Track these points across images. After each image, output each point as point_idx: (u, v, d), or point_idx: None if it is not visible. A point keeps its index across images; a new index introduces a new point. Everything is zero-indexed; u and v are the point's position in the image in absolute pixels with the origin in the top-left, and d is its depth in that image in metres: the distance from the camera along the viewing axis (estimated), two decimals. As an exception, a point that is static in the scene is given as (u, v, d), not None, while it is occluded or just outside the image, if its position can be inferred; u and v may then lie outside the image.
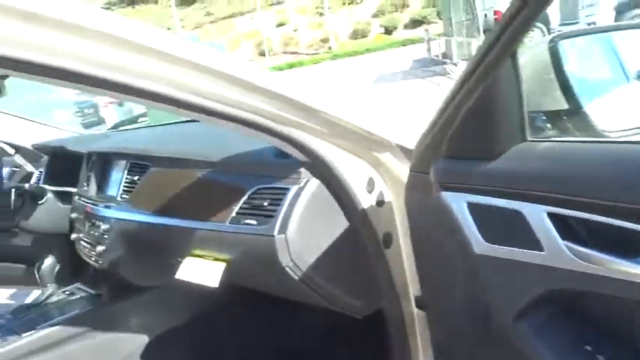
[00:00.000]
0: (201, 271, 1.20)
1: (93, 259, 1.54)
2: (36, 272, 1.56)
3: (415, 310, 1.23)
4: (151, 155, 1.41)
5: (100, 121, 10.57)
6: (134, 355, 1.54)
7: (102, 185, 1.67)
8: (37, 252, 2.43)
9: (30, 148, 2.21)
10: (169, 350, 1.58)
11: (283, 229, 1.06)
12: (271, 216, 1.08)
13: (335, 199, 1.11)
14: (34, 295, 3.48)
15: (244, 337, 1.58)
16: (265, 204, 1.10)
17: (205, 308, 1.55)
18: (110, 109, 12.33)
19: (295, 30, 29.48)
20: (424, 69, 13.08)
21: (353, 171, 1.09)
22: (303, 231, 1.08)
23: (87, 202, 1.63)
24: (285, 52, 27.26)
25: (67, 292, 1.63)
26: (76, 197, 1.75)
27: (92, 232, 1.53)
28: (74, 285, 1.69)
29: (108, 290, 1.59)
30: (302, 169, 1.08)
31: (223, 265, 1.18)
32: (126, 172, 1.51)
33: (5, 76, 1.31)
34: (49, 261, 1.56)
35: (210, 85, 0.79)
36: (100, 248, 1.47)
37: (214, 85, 0.80)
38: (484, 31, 12.39)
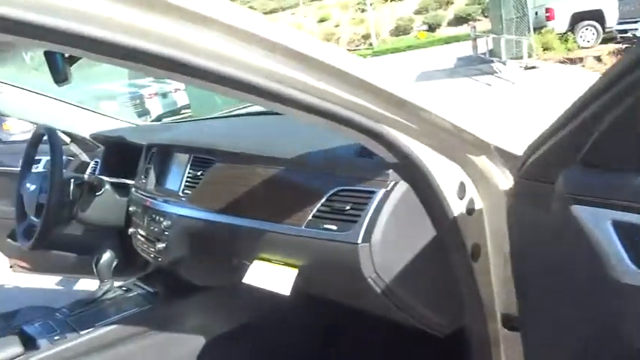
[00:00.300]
0: (271, 276, 1.12)
1: (152, 255, 1.49)
2: (94, 266, 1.51)
3: (501, 329, 1.12)
4: (216, 150, 1.33)
5: (146, 112, 10.77)
6: (191, 356, 1.48)
7: (161, 179, 1.60)
8: (90, 243, 2.42)
9: (85, 137, 2.18)
10: (227, 353, 1.51)
11: (368, 236, 0.96)
12: (354, 221, 0.98)
13: (423, 204, 1.01)
14: (82, 283, 3.52)
15: (307, 344, 1.49)
16: (347, 208, 1.00)
17: (266, 311, 1.47)
18: (155, 100, 12.56)
19: (337, 26, 29.40)
20: (470, 67, 12.75)
21: (444, 174, 0.98)
22: (388, 240, 0.98)
23: (145, 196, 1.57)
24: (326, 48, 27.12)
25: (123, 289, 1.58)
26: (134, 190, 1.70)
27: (152, 228, 1.47)
28: (130, 280, 1.64)
29: (165, 288, 1.53)
30: (390, 171, 0.98)
31: (295, 271, 1.09)
32: (189, 166, 1.44)
33: (75, 61, 1.25)
34: (107, 255, 1.51)
35: (294, 72, 0.70)
36: (160, 245, 1.40)
37: (298, 71, 0.70)
38: (534, 30, 12.03)
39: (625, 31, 9.68)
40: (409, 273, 1.01)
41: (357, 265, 0.96)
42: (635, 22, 9.29)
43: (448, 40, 22.24)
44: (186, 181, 1.43)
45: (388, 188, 0.97)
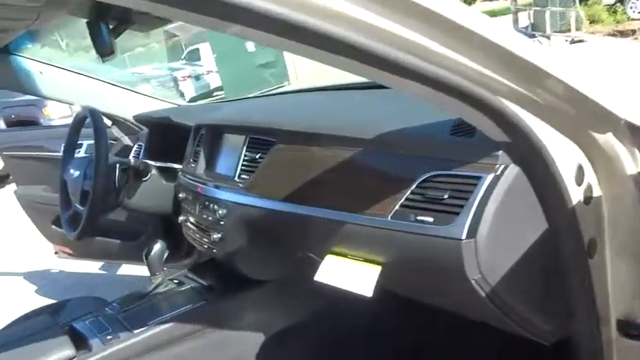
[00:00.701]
0: (349, 274, 0.97)
1: (205, 246, 1.36)
2: (144, 258, 1.40)
3: (616, 336, 0.95)
4: (278, 129, 1.18)
5: (179, 95, 10.76)
6: (249, 354, 1.36)
7: (212, 163, 1.48)
8: (135, 229, 2.33)
9: (128, 119, 2.07)
10: (287, 351, 1.39)
11: (473, 231, 0.80)
12: (454, 212, 0.82)
13: (536, 192, 0.84)
14: (125, 268, 3.48)
15: (377, 343, 1.35)
16: (445, 197, 0.84)
17: (329, 306, 1.34)
18: (188, 82, 12.56)
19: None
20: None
21: (562, 156, 0.81)
22: (495, 235, 0.82)
23: (196, 182, 1.44)
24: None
25: (175, 281, 1.47)
26: (181, 175, 1.58)
27: (205, 216, 1.34)
28: (182, 272, 1.52)
29: (219, 282, 1.41)
30: (499, 153, 0.81)
31: (377, 269, 0.94)
32: (244, 148, 1.30)
33: (119, 33, 1.12)
34: (157, 246, 1.40)
35: (401, 28, 0.55)
36: (215, 235, 1.28)
37: (406, 27, 0.55)
38: (580, 2, 11.41)
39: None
40: (517, 273, 0.86)
41: (459, 264, 0.81)
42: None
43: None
44: (243, 166, 1.29)
45: (497, 173, 0.81)
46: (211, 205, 1.32)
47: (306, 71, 11.96)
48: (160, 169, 1.68)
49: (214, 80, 12.93)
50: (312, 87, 1.53)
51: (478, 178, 0.81)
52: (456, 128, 0.90)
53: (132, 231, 2.38)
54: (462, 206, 0.81)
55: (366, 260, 0.97)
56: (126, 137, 2.32)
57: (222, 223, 1.28)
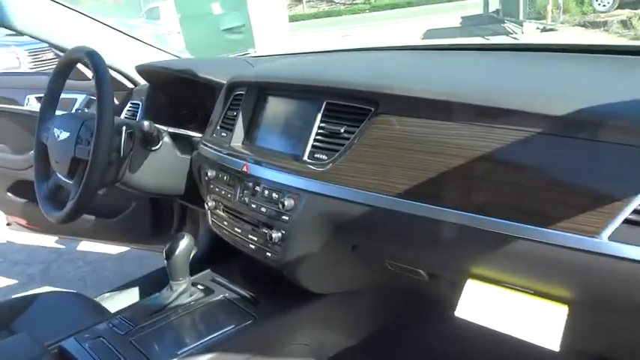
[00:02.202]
0: (514, 313, 0.68)
1: (253, 247, 1.02)
2: (164, 259, 1.03)
3: None
4: (389, 93, 0.85)
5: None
6: None
7: (259, 134, 1.13)
8: (119, 206, 1.94)
9: (123, 71, 1.66)
10: None
11: None
12: None
13: None
14: (85, 244, 3.04)
15: None
16: None
17: (399, 320, 1.04)
18: (174, 37, 11.67)
19: (334, -23, 28.18)
20: (480, 27, 12.13)
21: None
22: None
23: (237, 157, 1.09)
24: (322, 0, 26.18)
25: (200, 287, 1.11)
26: (208, 147, 1.22)
27: (257, 207, 1.00)
28: (204, 274, 1.17)
29: (262, 290, 1.07)
30: None
31: (564, 309, 0.65)
32: (319, 117, 0.95)
33: None
34: (184, 242, 1.02)
35: None
36: (275, 234, 0.94)
37: None
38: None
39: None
40: None
41: None
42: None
43: (450, -2, 21.50)
44: (317, 141, 0.95)
45: None
46: (268, 193, 0.98)
47: (272, 39, 11.46)
48: (174, 137, 1.30)
49: (175, 42, 12.16)
50: (399, 46, 1.19)
51: None
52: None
53: (110, 206, 1.99)
54: None
55: (539, 294, 0.67)
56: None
57: (285, 217, 0.94)
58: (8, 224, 2.50)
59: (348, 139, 0.90)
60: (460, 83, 0.83)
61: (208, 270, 1.19)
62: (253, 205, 1.01)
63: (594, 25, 10.04)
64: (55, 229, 2.37)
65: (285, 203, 0.92)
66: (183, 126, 1.45)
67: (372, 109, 0.88)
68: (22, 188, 2.23)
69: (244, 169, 1.05)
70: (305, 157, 0.96)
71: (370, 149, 0.85)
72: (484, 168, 0.72)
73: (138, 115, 1.60)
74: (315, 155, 0.94)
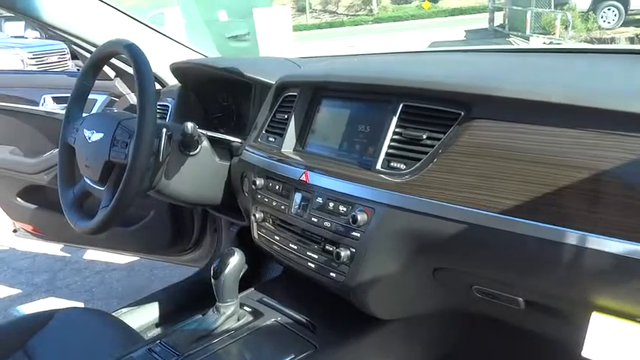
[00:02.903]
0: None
1: (313, 266, 0.90)
2: (212, 276, 0.92)
3: None
4: (482, 94, 0.74)
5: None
6: None
7: (316, 139, 1.02)
8: (139, 215, 1.83)
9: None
10: None
11: None
12: None
13: None
14: (92, 253, 2.91)
15: None
16: None
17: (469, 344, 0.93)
18: None
19: (337, -12, 28.36)
20: (485, 40, 12.13)
21: None
22: None
23: (294, 165, 0.98)
24: (325, 11, 26.32)
25: (247, 309, 0.99)
26: (253, 151, 1.11)
27: (318, 221, 0.89)
28: (248, 294, 1.04)
29: (318, 314, 0.95)
30: None
31: None
32: (394, 121, 0.84)
33: None
34: (234, 260, 0.90)
35: None
36: (344, 253, 0.82)
37: None
38: (555, 6, 11.43)
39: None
40: None
41: None
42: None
43: (453, 12, 21.66)
44: (393, 148, 0.84)
45: None
46: (334, 205, 0.87)
47: (277, 48, 11.41)
48: (211, 141, 1.19)
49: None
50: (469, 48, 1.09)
51: None
52: None
53: (135, 217, 1.88)
54: None
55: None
56: (132, 94, 1.79)
57: (356, 234, 0.82)
58: (14, 230, 2.38)
59: (431, 146, 0.79)
60: (573, 85, 0.73)
61: (252, 289, 1.07)
62: (314, 219, 0.90)
63: (601, 41, 10.02)
64: (63, 237, 2.24)
65: (358, 218, 0.81)
66: (216, 130, 1.34)
67: (462, 112, 0.77)
68: (32, 193, 2.12)
69: (303, 177, 0.94)
70: (378, 166, 0.84)
71: (464, 158, 0.74)
72: (615, 183, 0.61)
73: (167, 117, 1.49)
74: (391, 164, 0.83)
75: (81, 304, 2.48)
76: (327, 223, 0.87)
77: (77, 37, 1.40)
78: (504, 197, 0.69)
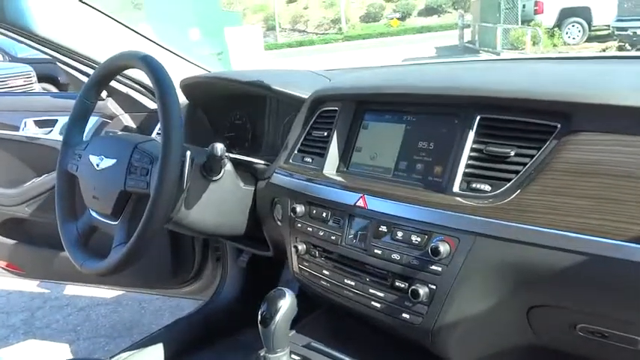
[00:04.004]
0: None
1: (378, 306, 0.77)
2: (259, 323, 0.77)
3: None
4: (589, 103, 0.64)
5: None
6: None
7: (360, 157, 0.90)
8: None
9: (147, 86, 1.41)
10: None
11: None
12: None
13: None
14: (72, 288, 2.69)
15: None
16: None
17: None
18: None
19: (306, 8, 28.73)
20: (458, 56, 12.31)
21: None
22: None
23: (333, 187, 0.86)
24: (294, 30, 26.51)
25: (295, 357, 0.85)
26: (285, 176, 0.98)
27: (387, 255, 0.76)
28: (301, 343, 0.90)
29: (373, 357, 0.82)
30: None
31: None
32: (471, 136, 0.73)
33: None
34: (285, 302, 0.76)
35: None
36: (423, 291, 0.70)
37: None
38: (522, 22, 11.74)
39: (624, 29, 9.47)
40: None
41: None
42: (637, 19, 9.06)
43: (421, 30, 22.12)
44: (472, 167, 0.73)
45: None
46: (403, 235, 0.74)
47: (250, 66, 11.30)
48: (236, 165, 1.06)
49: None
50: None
51: None
52: None
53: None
54: None
55: None
56: (127, 115, 1.64)
57: (436, 268, 0.70)
58: (-5, 268, 2.16)
59: (521, 164, 0.68)
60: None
61: (294, 331, 0.93)
62: (377, 251, 0.77)
63: (570, 55, 10.29)
64: (45, 273, 2.05)
65: (441, 249, 0.69)
66: (229, 151, 1.21)
67: (559, 125, 0.66)
68: (11, 227, 1.92)
69: (359, 203, 0.81)
70: (455, 188, 0.73)
71: (571, 178, 0.63)
72: None
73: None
74: (472, 185, 0.72)
75: (65, 346, 2.27)
76: (395, 256, 0.75)
77: (73, 53, 1.25)
78: (629, 222, 0.58)
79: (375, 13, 26.52)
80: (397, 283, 0.75)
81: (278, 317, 0.76)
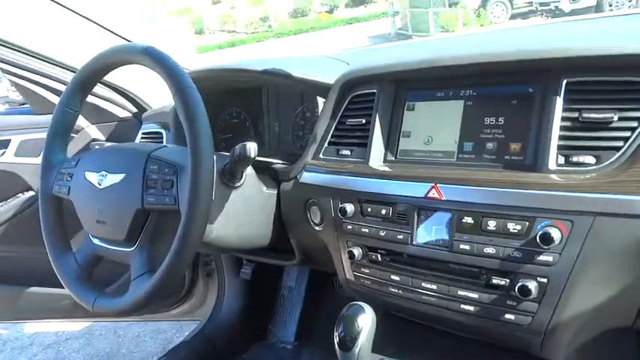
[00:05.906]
0: None
1: (472, 309, 0.67)
2: (337, 346, 0.64)
3: None
4: None
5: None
6: None
7: (410, 144, 0.79)
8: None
9: (126, 91, 1.24)
10: None
11: None
12: None
13: None
14: (39, 324, 2.41)
15: None
16: None
17: None
18: None
19: (232, 8, 28.27)
20: (391, 43, 12.46)
21: None
22: None
23: (390, 180, 0.75)
24: (223, 31, 25.99)
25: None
26: (321, 173, 0.86)
27: (477, 250, 0.66)
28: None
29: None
30: None
31: None
32: (559, 103, 0.64)
33: None
34: (368, 320, 0.64)
35: None
36: (532, 286, 0.60)
37: None
38: (449, 5, 12.08)
39: (547, 4, 9.92)
40: None
41: None
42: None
43: (350, 21, 22.29)
44: (565, 138, 0.64)
45: None
46: (496, 224, 0.64)
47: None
48: (258, 168, 0.92)
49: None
50: None
51: None
52: None
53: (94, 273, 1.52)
54: None
55: None
56: (93, 127, 1.45)
57: (546, 258, 0.61)
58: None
59: (629, 128, 0.60)
60: None
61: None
62: (464, 246, 0.67)
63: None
64: (7, 314, 1.81)
65: (553, 235, 0.59)
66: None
67: None
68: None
69: (432, 194, 0.70)
70: (551, 165, 0.64)
71: None
72: None
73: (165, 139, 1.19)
74: (572, 159, 0.63)
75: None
76: (489, 250, 0.65)
77: (34, 55, 1.06)
78: None
79: (302, 9, 26.49)
80: (495, 281, 0.65)
81: (361, 339, 0.64)
